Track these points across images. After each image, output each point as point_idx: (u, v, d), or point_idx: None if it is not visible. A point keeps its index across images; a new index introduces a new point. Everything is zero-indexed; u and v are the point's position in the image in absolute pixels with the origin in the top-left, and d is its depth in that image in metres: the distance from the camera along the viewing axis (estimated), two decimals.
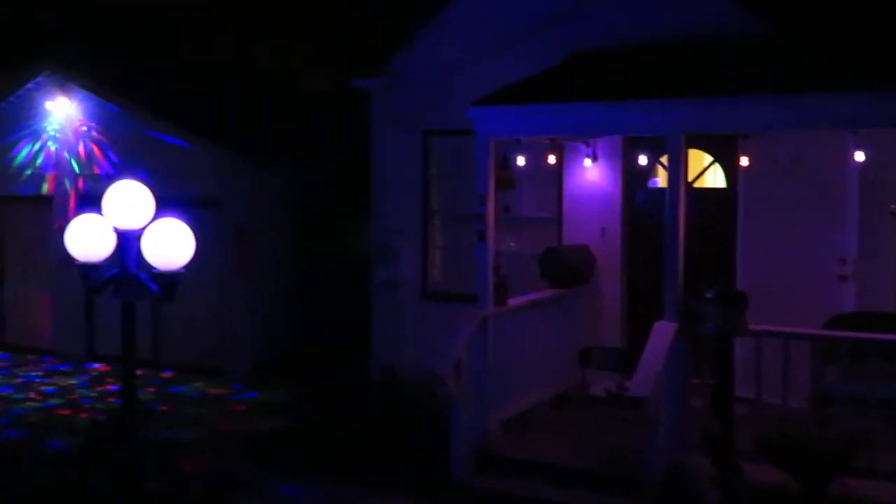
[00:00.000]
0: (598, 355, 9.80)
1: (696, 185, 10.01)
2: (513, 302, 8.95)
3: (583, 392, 9.93)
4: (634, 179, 10.42)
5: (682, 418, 7.80)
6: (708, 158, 10.17)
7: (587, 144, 10.41)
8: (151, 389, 11.80)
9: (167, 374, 12.62)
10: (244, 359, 12.61)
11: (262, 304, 12.81)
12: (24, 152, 14.09)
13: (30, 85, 13.92)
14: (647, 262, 9.82)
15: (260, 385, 12.03)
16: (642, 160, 10.25)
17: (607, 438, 8.36)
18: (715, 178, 10.27)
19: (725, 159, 9.97)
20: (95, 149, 13.42)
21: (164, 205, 6.04)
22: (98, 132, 13.43)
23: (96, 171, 13.36)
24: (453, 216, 11.17)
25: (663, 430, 7.37)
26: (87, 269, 5.99)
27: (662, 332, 7.67)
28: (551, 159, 10.57)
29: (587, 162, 10.47)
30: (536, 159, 10.57)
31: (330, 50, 15.66)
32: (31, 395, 11.90)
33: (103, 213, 5.94)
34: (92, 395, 11.88)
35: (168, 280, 5.80)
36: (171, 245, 5.72)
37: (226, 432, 10.04)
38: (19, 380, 12.71)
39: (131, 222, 5.83)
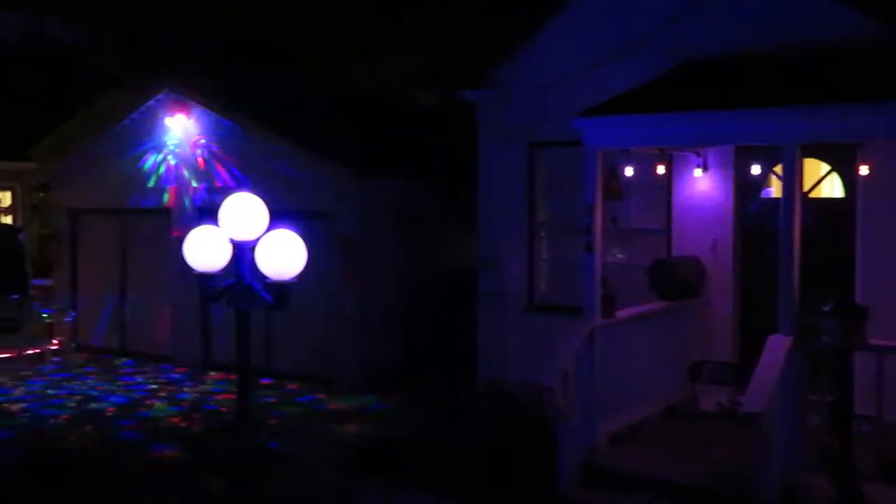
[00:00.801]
0: (710, 369, 9.56)
1: (812, 195, 9.70)
2: (621, 314, 8.84)
3: (693, 406, 9.71)
4: (747, 189, 10.17)
5: (799, 436, 7.55)
6: (825, 168, 9.85)
7: (697, 154, 10.21)
8: (263, 397, 12.08)
9: (277, 383, 12.90)
10: (353, 369, 12.79)
11: (370, 315, 12.98)
12: (145, 166, 14.69)
13: (151, 102, 14.52)
14: (760, 275, 9.56)
15: (368, 395, 12.18)
16: (755, 170, 10.00)
17: (718, 455, 8.16)
18: (832, 187, 9.93)
19: (843, 168, 9.63)
20: (212, 163, 13.88)
21: (277, 217, 6.20)
22: (214, 146, 13.89)
23: (213, 184, 13.80)
24: (559, 227, 11.11)
25: (778, 447, 7.15)
26: (205, 278, 6.19)
27: (777, 346, 7.45)
28: (660, 169, 10.41)
29: (697, 172, 10.27)
30: (645, 170, 10.42)
31: (437, 63, 15.80)
32: (147, 399, 12.35)
33: (220, 224, 6.14)
34: (205, 402, 12.24)
35: (281, 289, 5.95)
36: (284, 255, 5.87)
37: (334, 442, 10.20)
38: (138, 385, 13.21)
39: (246, 234, 6.01)
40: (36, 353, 15.53)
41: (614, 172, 10.29)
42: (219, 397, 12.44)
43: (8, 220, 23.14)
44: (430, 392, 11.93)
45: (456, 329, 12.49)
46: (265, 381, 12.84)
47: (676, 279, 9.74)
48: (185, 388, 12.98)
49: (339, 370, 12.76)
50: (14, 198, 23.38)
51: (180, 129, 14.20)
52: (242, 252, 6.04)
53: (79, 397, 12.47)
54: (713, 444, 8.46)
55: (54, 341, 15.97)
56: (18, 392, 12.81)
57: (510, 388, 10.62)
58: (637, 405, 8.97)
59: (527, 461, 8.58)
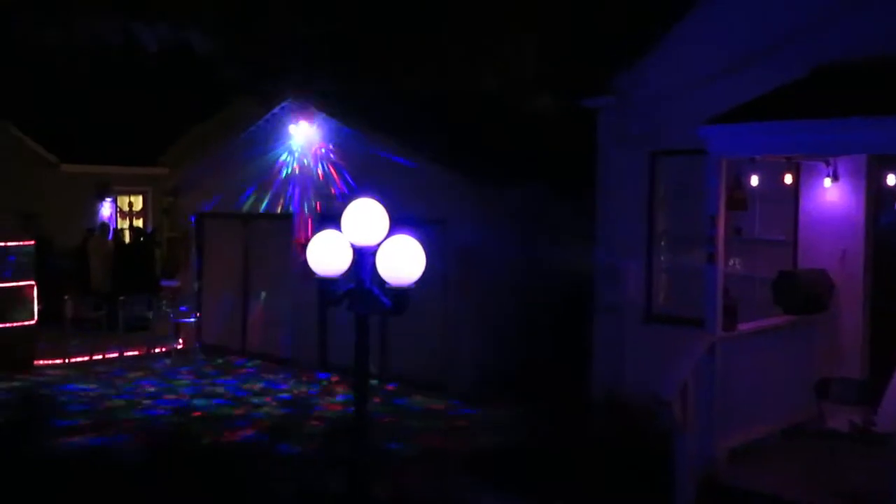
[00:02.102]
0: (838, 387, 9.17)
1: None
2: (743, 327, 8.58)
3: (819, 425, 9.33)
4: (881, 200, 9.73)
5: None
6: None
7: (827, 163, 9.84)
8: (377, 400, 12.24)
9: (391, 387, 13.05)
10: (466, 375, 12.81)
11: (485, 322, 12.99)
12: (269, 172, 15.12)
13: (275, 110, 14.95)
14: (892, 289, 9.13)
15: (480, 402, 12.18)
16: (891, 180, 9.56)
17: (848, 476, 7.81)
18: None
19: None
20: (332, 169, 14.17)
21: (395, 223, 6.28)
22: (335, 154, 14.18)
23: (333, 190, 14.09)
24: (680, 237, 10.88)
25: None
26: (326, 282, 6.31)
27: None
28: (787, 179, 10.07)
29: (827, 182, 9.89)
30: (770, 179, 10.09)
31: (557, 70, 15.72)
32: (267, 399, 12.67)
33: (342, 230, 6.25)
34: (322, 403, 12.49)
35: (400, 295, 6.01)
36: (403, 261, 5.93)
37: (445, 447, 10.24)
38: (258, 386, 13.58)
39: (367, 239, 6.10)
40: (162, 351, 16.18)
41: (739, 181, 10.01)
42: (335, 399, 12.66)
43: (140, 223, 24.22)
44: (543, 400, 11.85)
45: (571, 337, 12.38)
46: (379, 385, 13.00)
47: (802, 292, 9.39)
48: (303, 389, 13.27)
49: (452, 377, 12.81)
50: (146, 202, 24.45)
51: (303, 136, 14.55)
52: (363, 257, 6.13)
53: (202, 395, 12.90)
54: (842, 466, 8.11)
55: (180, 340, 16.60)
56: (148, 389, 13.33)
57: (625, 398, 10.45)
58: (758, 422, 8.68)
59: (642, 473, 8.42)
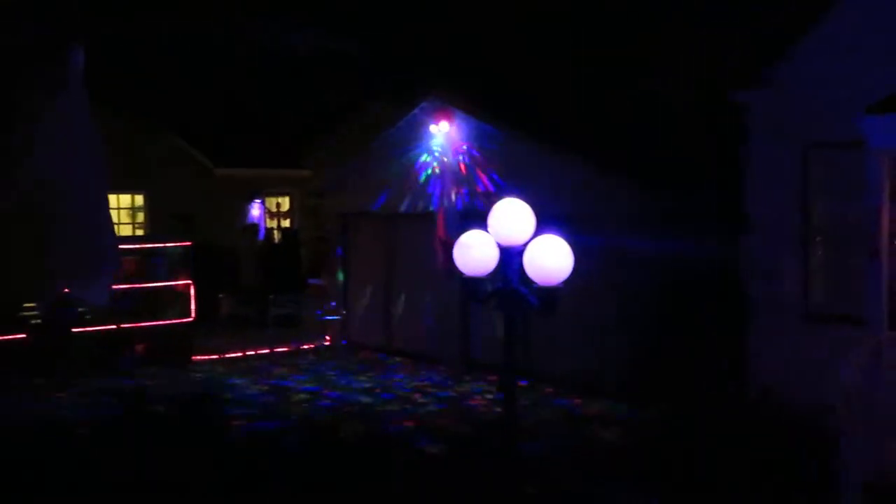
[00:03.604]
0: None
1: None
2: None
3: None
4: None
5: None
6: None
7: None
8: (523, 400, 12.19)
9: (535, 385, 12.97)
10: (616, 375, 12.60)
11: (629, 320, 12.74)
12: (410, 172, 15.30)
13: (415, 111, 15.12)
14: None
15: (632, 402, 11.96)
16: None
17: None
18: None
19: None
20: (474, 168, 14.21)
21: (541, 221, 6.22)
22: (476, 152, 14.21)
23: (474, 188, 14.12)
24: (838, 232, 10.37)
25: None
26: (472, 282, 6.32)
27: None
28: None
29: None
30: None
31: (704, 63, 15.26)
32: (413, 397, 12.82)
33: (487, 229, 6.25)
34: (466, 400, 12.54)
35: (548, 295, 5.96)
36: (551, 260, 5.87)
37: (595, 447, 10.11)
38: (402, 382, 13.76)
39: (514, 238, 6.07)
40: (310, 348, 16.64)
41: None
42: (478, 396, 12.70)
43: (287, 223, 25.00)
44: (696, 400, 11.53)
45: (723, 336, 12.00)
46: (522, 383, 12.95)
47: None
48: (447, 387, 13.36)
49: (596, 375, 12.63)
50: (292, 203, 25.22)
51: (444, 136, 14.65)
52: (510, 257, 6.11)
53: (347, 391, 13.18)
54: None
55: (326, 337, 17.03)
56: (296, 384, 13.73)
57: (783, 398, 10.04)
58: None
59: (801, 477, 8.07)
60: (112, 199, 22.66)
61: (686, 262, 13.29)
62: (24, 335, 13.71)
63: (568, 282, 5.98)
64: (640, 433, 10.55)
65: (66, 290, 9.03)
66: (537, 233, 6.14)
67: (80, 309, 14.02)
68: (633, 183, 12.77)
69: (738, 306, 11.24)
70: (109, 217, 8.29)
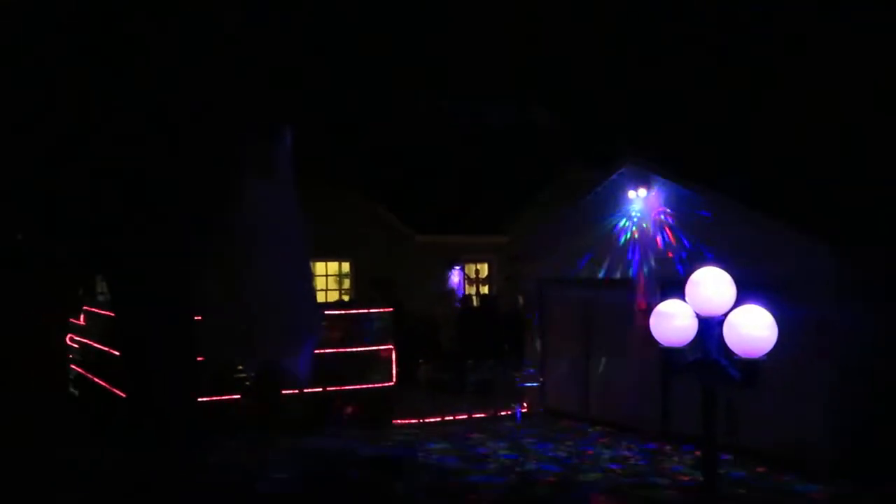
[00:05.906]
0: None
1: None
2: None
3: None
4: None
5: None
6: None
7: None
8: (724, 472, 11.67)
9: (739, 459, 12.38)
10: (824, 451, 11.86)
11: (844, 394, 11.98)
12: (608, 238, 15.22)
13: (613, 177, 15.10)
14: None
15: (843, 480, 11.21)
16: None
17: None
18: None
19: None
20: (671, 234, 13.97)
21: (741, 288, 6.04)
22: (674, 218, 13.97)
23: (672, 255, 13.86)
24: None
25: None
26: (670, 352, 6.21)
27: None
28: None
29: None
30: None
31: None
32: (612, 467, 12.54)
33: (685, 297, 6.13)
34: (666, 473, 12.14)
35: (749, 367, 5.77)
36: (753, 331, 5.70)
37: None
38: (600, 452, 13.50)
39: (713, 308, 5.93)
40: (507, 414, 16.67)
41: None
42: (678, 469, 12.28)
43: (486, 289, 25.39)
44: None
45: None
46: (725, 458, 12.41)
47: None
48: (648, 458, 13.00)
49: (809, 451, 11.91)
50: (491, 269, 25.62)
51: (641, 202, 14.52)
52: (709, 327, 5.97)
53: (546, 460, 13.07)
54: None
55: (523, 404, 17.02)
56: (495, 450, 13.76)
57: None
58: None
59: None
60: (320, 266, 23.90)
61: None
62: (237, 396, 14.51)
63: (772, 349, 5.76)
64: None
65: (275, 357, 9.51)
66: (738, 299, 5.97)
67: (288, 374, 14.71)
68: (842, 245, 12.14)
69: None
70: (313, 289, 8.73)
